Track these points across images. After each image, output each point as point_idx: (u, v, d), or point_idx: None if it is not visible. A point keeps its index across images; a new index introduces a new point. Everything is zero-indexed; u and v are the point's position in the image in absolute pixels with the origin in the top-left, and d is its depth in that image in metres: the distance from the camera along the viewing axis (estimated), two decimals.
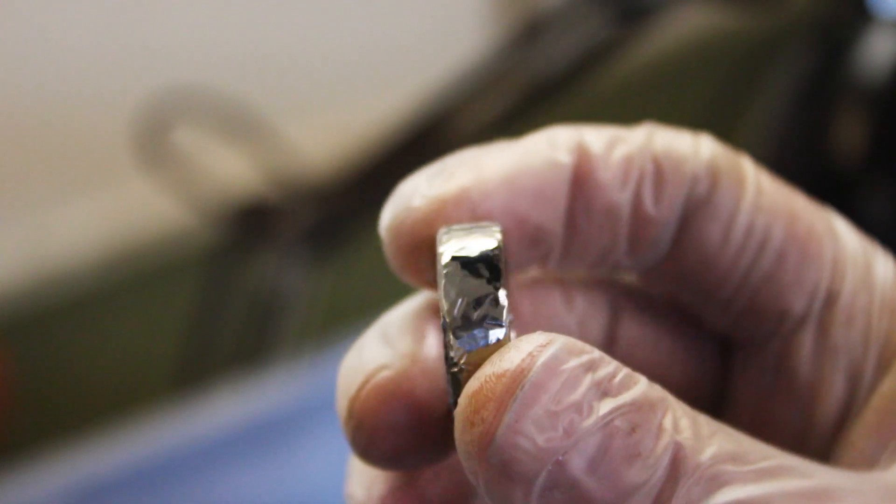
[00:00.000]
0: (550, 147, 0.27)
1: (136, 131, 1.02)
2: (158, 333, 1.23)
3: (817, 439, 0.28)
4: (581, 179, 0.27)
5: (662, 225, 0.27)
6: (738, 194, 0.27)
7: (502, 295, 0.24)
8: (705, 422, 0.24)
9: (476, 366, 0.24)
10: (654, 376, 0.29)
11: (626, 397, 0.23)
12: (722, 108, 1.05)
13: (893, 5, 0.62)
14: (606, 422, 0.23)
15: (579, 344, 0.24)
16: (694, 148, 0.27)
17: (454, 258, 0.25)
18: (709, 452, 0.23)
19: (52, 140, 1.42)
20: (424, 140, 0.78)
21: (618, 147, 0.27)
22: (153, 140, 0.98)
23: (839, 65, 0.62)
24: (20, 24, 1.39)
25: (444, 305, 0.24)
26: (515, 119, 0.75)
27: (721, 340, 0.29)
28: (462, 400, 0.23)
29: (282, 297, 0.88)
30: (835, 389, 0.27)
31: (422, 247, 0.26)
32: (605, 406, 0.23)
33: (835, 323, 0.27)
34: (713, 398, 0.29)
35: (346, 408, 0.25)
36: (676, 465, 0.23)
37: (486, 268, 0.25)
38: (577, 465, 0.23)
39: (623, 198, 0.27)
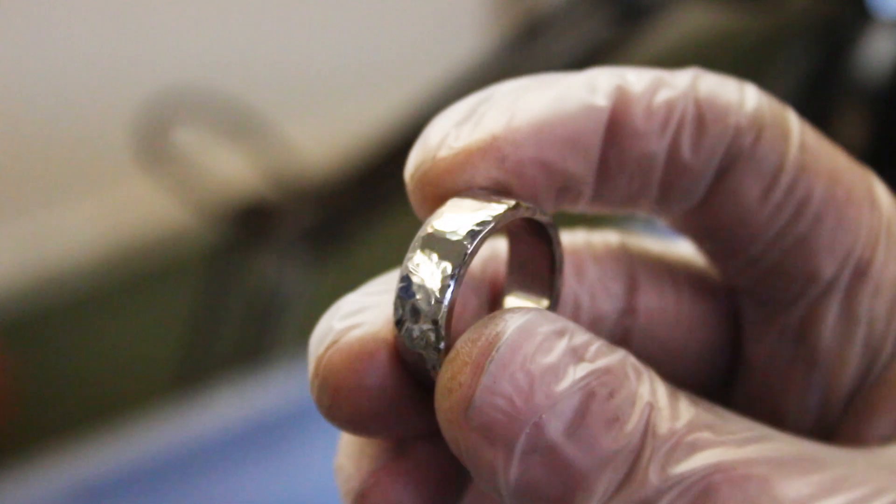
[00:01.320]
0: (589, 90, 0.26)
1: (136, 131, 1.02)
2: (158, 333, 1.23)
3: (830, 409, 0.27)
4: (617, 126, 0.26)
5: (698, 174, 0.26)
6: (783, 150, 0.26)
7: (450, 291, 0.24)
8: (685, 395, 0.24)
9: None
10: (672, 344, 0.28)
11: (601, 363, 0.23)
12: None
13: (893, 5, 0.62)
14: (583, 385, 0.23)
15: (553, 315, 0.24)
16: (739, 97, 0.26)
17: (427, 235, 0.24)
18: (685, 419, 0.23)
19: (52, 140, 1.42)
20: None
21: (660, 91, 0.26)
22: (153, 140, 0.98)
23: (839, 65, 0.62)
24: (21, 25, 1.39)
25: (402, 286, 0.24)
26: None
27: (737, 307, 0.29)
28: (441, 369, 0.23)
29: (282, 297, 0.88)
30: (852, 360, 0.27)
31: (447, 197, 0.25)
32: (582, 370, 0.23)
33: (862, 292, 0.27)
34: (728, 364, 0.29)
35: (312, 365, 0.25)
36: (653, 430, 0.23)
37: (452, 255, 0.24)
38: (555, 428, 0.23)
39: (660, 146, 0.26)
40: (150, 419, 0.80)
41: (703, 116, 0.26)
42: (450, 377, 0.23)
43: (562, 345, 0.23)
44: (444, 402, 0.23)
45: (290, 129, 1.14)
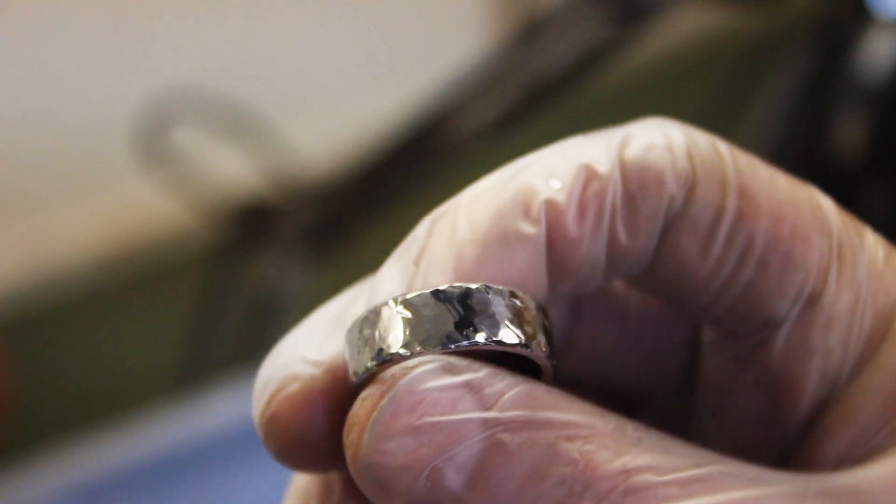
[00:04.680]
0: (522, 213, 0.25)
1: (136, 132, 1.02)
2: (158, 334, 1.23)
3: (788, 431, 0.27)
4: (553, 242, 0.25)
5: (639, 253, 0.26)
6: (718, 202, 0.25)
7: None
8: (631, 426, 0.24)
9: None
10: (618, 358, 0.28)
11: (512, 414, 0.23)
12: (722, 108, 1.05)
13: (893, 5, 0.62)
14: (487, 436, 0.23)
15: (460, 364, 0.23)
16: (669, 159, 0.26)
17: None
18: (622, 460, 0.23)
19: (52, 140, 1.42)
20: (424, 140, 0.78)
21: (588, 186, 0.25)
22: (153, 140, 0.98)
23: (839, 65, 0.62)
24: (21, 25, 1.39)
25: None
26: (515, 119, 0.75)
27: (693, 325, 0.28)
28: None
29: (282, 297, 0.88)
30: (809, 388, 0.26)
31: None
32: (484, 422, 0.23)
33: (815, 325, 0.26)
34: (682, 377, 0.29)
35: (256, 414, 0.26)
36: (580, 476, 0.23)
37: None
38: (454, 480, 0.23)
39: (597, 244, 0.25)
40: (149, 419, 0.80)
41: (633, 198, 0.25)
42: (345, 434, 0.24)
43: (462, 397, 0.23)
44: (345, 456, 0.24)
45: (290, 129, 1.14)
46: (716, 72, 1.17)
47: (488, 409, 0.23)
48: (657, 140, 0.26)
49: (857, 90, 0.62)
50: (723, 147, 0.26)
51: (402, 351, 0.24)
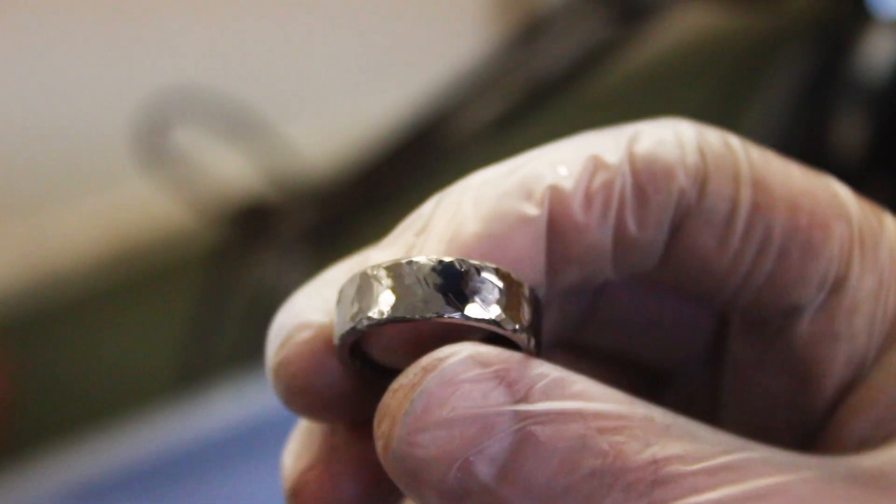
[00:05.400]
0: (524, 196, 0.25)
1: (136, 131, 1.02)
2: (158, 334, 1.23)
3: (813, 413, 0.27)
4: (557, 225, 0.25)
5: (649, 244, 0.26)
6: (733, 194, 0.26)
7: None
8: (661, 416, 0.24)
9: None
10: (643, 333, 0.28)
11: (541, 406, 0.23)
12: (722, 108, 1.05)
13: (893, 5, 0.62)
14: (518, 428, 0.23)
15: (490, 354, 0.24)
16: (679, 153, 0.26)
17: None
18: (650, 452, 0.23)
19: (52, 141, 1.42)
20: (424, 140, 0.78)
21: (595, 176, 0.25)
22: (153, 140, 0.98)
23: (839, 65, 0.62)
24: (20, 25, 1.39)
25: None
26: (515, 119, 0.75)
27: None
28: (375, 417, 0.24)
29: (282, 297, 0.88)
30: (834, 372, 0.26)
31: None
32: (516, 414, 0.23)
33: (840, 310, 0.26)
34: (707, 353, 0.29)
35: (269, 361, 0.26)
36: (610, 467, 0.23)
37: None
38: (485, 471, 0.23)
39: (604, 232, 0.25)
40: (150, 419, 0.80)
41: (643, 190, 0.26)
42: (376, 424, 0.24)
43: (492, 389, 0.23)
44: (376, 444, 0.24)
45: (290, 129, 1.14)
46: (716, 72, 1.17)
47: (519, 400, 0.23)
48: (667, 135, 0.26)
49: (857, 90, 0.62)
50: (734, 141, 0.26)
51: (376, 317, 0.24)
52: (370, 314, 0.24)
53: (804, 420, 0.27)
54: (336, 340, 0.25)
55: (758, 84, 0.82)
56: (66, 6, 1.40)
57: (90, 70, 1.43)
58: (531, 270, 0.25)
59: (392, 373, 0.25)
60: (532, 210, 0.25)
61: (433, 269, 0.24)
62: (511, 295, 0.24)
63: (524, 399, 0.23)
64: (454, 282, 0.24)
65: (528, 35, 0.75)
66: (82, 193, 1.45)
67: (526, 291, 0.25)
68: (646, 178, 0.26)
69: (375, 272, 0.25)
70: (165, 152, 0.98)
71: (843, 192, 0.27)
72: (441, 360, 0.24)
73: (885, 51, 0.62)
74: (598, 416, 0.23)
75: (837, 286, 0.26)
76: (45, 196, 1.44)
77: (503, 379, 0.23)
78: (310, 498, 0.26)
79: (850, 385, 0.26)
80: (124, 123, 1.08)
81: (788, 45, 0.71)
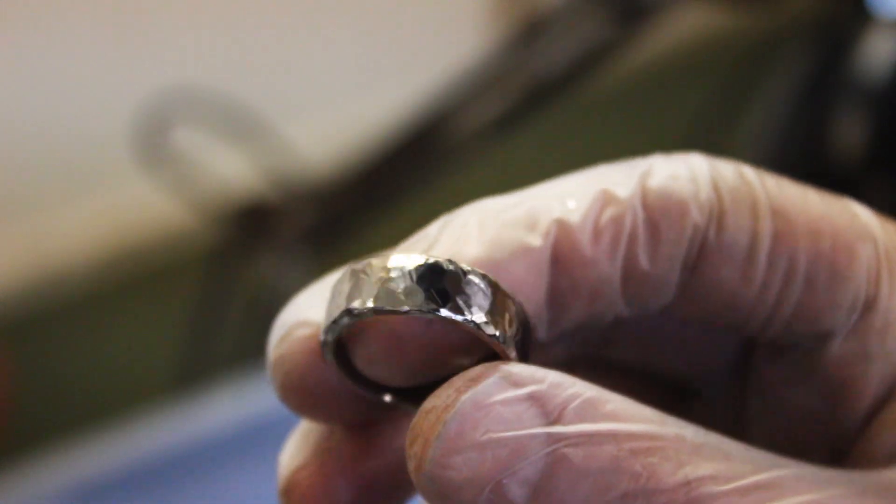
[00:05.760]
0: (527, 227, 0.25)
1: (137, 132, 1.02)
2: (158, 333, 1.23)
3: (845, 430, 0.27)
4: (563, 258, 0.25)
5: (662, 279, 0.25)
6: (752, 227, 0.25)
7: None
8: (692, 434, 0.24)
9: None
10: (668, 348, 0.28)
11: (576, 427, 0.23)
12: (722, 108, 1.05)
13: (893, 5, 0.62)
14: (551, 451, 0.23)
15: (523, 374, 0.24)
16: (693, 189, 0.25)
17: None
18: (683, 473, 0.23)
19: (52, 141, 1.42)
20: (424, 140, 0.78)
21: (605, 210, 0.25)
22: (153, 140, 0.98)
23: (839, 65, 0.62)
24: (20, 25, 1.39)
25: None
26: (515, 119, 0.75)
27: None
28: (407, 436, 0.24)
29: (282, 297, 0.88)
30: (868, 391, 0.26)
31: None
32: (548, 437, 0.23)
33: (871, 331, 0.26)
34: (733, 367, 0.28)
35: (268, 356, 0.27)
36: (643, 489, 0.23)
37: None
38: (517, 494, 0.23)
39: (613, 267, 0.25)
40: (150, 419, 0.80)
41: (655, 225, 0.25)
42: (408, 444, 0.24)
43: (525, 411, 0.23)
44: (407, 464, 0.24)
45: (290, 129, 1.14)
46: (716, 72, 1.17)
47: (552, 422, 0.23)
48: (680, 170, 0.26)
49: (857, 90, 0.62)
50: (749, 172, 0.26)
51: (357, 306, 0.24)
52: (351, 306, 0.24)
53: (835, 435, 0.27)
54: (321, 336, 0.25)
55: (758, 84, 0.82)
56: (67, 7, 1.40)
57: (90, 70, 1.43)
58: (530, 300, 0.25)
59: (379, 388, 0.25)
60: (535, 240, 0.25)
61: (419, 265, 0.24)
62: (497, 303, 0.24)
63: (557, 420, 0.23)
64: (439, 279, 0.24)
65: (528, 35, 0.75)
66: (82, 193, 1.45)
67: (513, 305, 0.25)
68: (658, 214, 0.25)
69: (363, 267, 0.25)
70: (165, 152, 0.98)
71: (863, 213, 0.26)
72: (474, 381, 0.23)
73: (885, 51, 0.62)
74: (630, 437, 0.23)
75: (868, 307, 0.26)
76: (45, 196, 1.44)
77: (536, 400, 0.23)
78: (301, 497, 0.27)
79: (884, 401, 0.26)
80: (124, 124, 1.08)
81: (788, 46, 0.71)
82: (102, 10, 1.42)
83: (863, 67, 0.62)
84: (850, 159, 0.62)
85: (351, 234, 0.85)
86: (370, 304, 0.24)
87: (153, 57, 1.44)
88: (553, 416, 0.23)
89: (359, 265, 0.25)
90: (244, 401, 0.78)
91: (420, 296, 0.24)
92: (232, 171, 0.99)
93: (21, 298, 1.38)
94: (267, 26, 1.52)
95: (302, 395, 0.26)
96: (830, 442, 0.27)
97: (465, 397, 0.23)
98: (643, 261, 0.25)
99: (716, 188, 0.26)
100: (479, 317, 0.24)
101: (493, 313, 0.24)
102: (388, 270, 0.24)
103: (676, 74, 1.40)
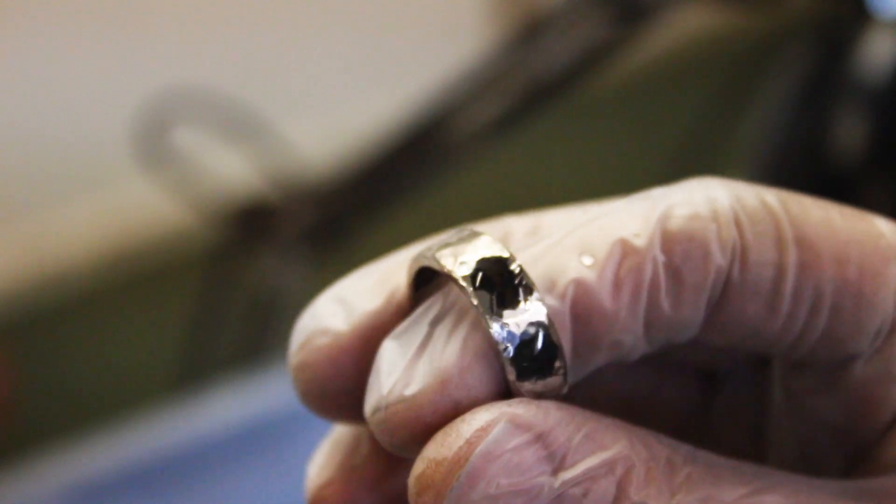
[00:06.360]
0: (546, 288, 0.25)
1: (137, 132, 1.02)
2: (158, 333, 1.23)
3: (866, 439, 0.27)
4: (583, 316, 0.25)
5: (685, 322, 0.25)
6: (777, 260, 0.25)
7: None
8: (682, 459, 0.24)
9: None
10: (686, 348, 0.27)
11: (578, 468, 0.24)
12: (721, 108, 1.05)
13: (893, 5, 0.62)
14: (558, 495, 0.24)
15: (528, 416, 0.24)
16: (715, 229, 0.25)
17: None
18: (675, 502, 0.24)
19: (52, 141, 1.42)
20: (424, 140, 0.78)
21: (624, 262, 0.25)
22: (153, 140, 0.98)
23: (839, 65, 0.62)
24: (21, 25, 1.39)
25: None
26: (515, 119, 0.75)
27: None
28: (410, 478, 0.24)
29: (282, 297, 0.89)
30: (890, 408, 0.26)
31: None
32: (555, 480, 0.24)
33: (894, 351, 0.26)
34: (756, 371, 0.28)
35: (289, 360, 0.27)
36: None
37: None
38: None
39: (635, 317, 0.25)
40: (150, 419, 0.80)
41: (678, 271, 0.25)
42: (416, 493, 0.24)
43: (532, 458, 0.24)
44: None
45: (290, 129, 1.14)
46: (716, 72, 1.17)
47: (558, 466, 0.24)
48: (701, 208, 0.25)
49: (857, 90, 0.62)
50: (772, 199, 0.25)
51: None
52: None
53: (854, 443, 0.27)
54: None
55: (758, 84, 0.82)
56: (67, 7, 1.40)
57: (90, 71, 1.43)
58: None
59: None
60: (553, 302, 0.25)
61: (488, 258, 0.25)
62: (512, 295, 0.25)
63: (562, 464, 0.24)
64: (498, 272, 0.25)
65: (528, 35, 0.75)
66: (82, 193, 1.45)
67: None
68: (680, 260, 0.25)
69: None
70: (165, 153, 0.98)
71: (889, 231, 0.26)
72: (485, 430, 0.24)
73: (885, 51, 0.62)
74: (627, 468, 0.24)
75: (894, 328, 0.26)
76: (45, 196, 1.44)
77: (543, 443, 0.24)
78: None
79: None
80: (124, 124, 1.08)
81: (788, 46, 0.71)
82: (102, 11, 1.42)
83: (863, 68, 0.62)
84: (849, 160, 0.62)
85: (351, 235, 0.85)
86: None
87: (153, 57, 1.44)
88: (557, 459, 0.24)
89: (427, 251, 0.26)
90: (244, 401, 0.78)
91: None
92: (232, 171, 0.99)
93: (21, 298, 1.38)
94: (267, 26, 1.52)
95: (323, 401, 0.27)
96: (846, 448, 0.27)
97: (478, 450, 0.24)
98: (666, 307, 0.25)
99: (738, 223, 0.25)
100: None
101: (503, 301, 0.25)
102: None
103: (676, 75, 1.40)
